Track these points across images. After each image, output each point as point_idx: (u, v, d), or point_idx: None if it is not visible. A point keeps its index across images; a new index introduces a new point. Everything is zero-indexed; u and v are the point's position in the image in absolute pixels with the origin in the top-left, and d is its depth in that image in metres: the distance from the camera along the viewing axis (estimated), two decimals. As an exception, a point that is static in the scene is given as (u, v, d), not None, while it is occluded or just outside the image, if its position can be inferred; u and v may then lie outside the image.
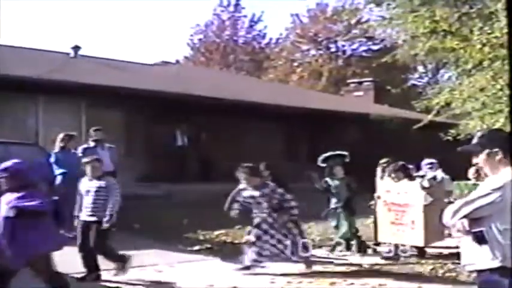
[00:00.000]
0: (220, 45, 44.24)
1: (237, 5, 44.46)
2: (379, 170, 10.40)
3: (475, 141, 4.40)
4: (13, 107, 15.10)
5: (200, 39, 45.00)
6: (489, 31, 10.73)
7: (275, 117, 19.95)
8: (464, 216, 4.12)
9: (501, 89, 11.21)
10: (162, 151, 17.19)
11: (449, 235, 11.50)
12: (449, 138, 13.86)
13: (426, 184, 9.75)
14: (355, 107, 24.83)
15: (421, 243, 9.52)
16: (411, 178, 10.04)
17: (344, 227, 10.10)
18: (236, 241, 10.56)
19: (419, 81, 40.40)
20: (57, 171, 11.15)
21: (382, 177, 10.27)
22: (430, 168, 11.87)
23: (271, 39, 45.56)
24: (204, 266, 8.97)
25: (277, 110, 20.41)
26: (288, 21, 49.95)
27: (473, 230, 4.09)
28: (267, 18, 57.44)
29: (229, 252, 9.55)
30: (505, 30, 10.22)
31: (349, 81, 32.85)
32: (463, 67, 11.88)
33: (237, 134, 18.51)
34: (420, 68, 37.97)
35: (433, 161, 11.92)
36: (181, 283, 8.02)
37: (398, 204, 9.75)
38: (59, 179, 11.10)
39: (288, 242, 8.58)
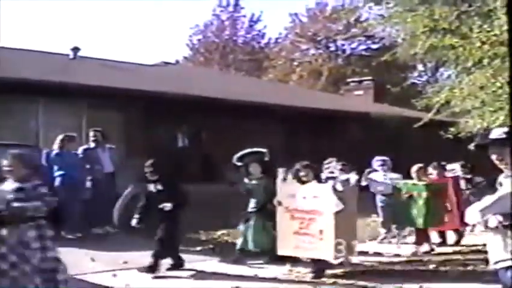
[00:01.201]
0: (220, 46, 44.26)
1: (236, 5, 44.51)
2: (281, 171, 8.72)
3: (502, 136, 4.32)
4: (13, 109, 15.10)
5: (199, 40, 45.03)
6: (488, 29, 10.74)
7: (276, 117, 19.93)
8: (495, 213, 4.07)
9: (501, 87, 11.22)
10: (162, 152, 17.17)
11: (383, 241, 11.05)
12: (449, 136, 13.87)
13: (339, 187, 8.26)
14: (356, 106, 24.84)
15: (329, 257, 8.09)
16: (319, 179, 8.75)
17: (256, 235, 9.07)
18: (239, 241, 10.55)
19: (419, 80, 40.41)
20: (57, 172, 11.15)
21: (284, 179, 8.64)
22: (382, 165, 11.13)
23: (270, 39, 45.65)
24: (207, 266, 8.96)
25: (277, 110, 20.41)
26: (287, 20, 50.04)
27: None
28: (266, 18, 57.61)
29: (232, 252, 9.50)
30: (505, 28, 10.24)
31: (348, 80, 32.84)
32: (462, 65, 11.89)
33: (237, 134, 18.48)
34: (420, 67, 37.96)
35: (385, 158, 11.20)
36: (183, 284, 8.03)
37: (305, 210, 8.23)
38: (58, 181, 11.10)
39: (28, 269, 5.88)
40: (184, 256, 8.81)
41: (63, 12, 60.07)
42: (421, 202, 9.93)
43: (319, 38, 41.33)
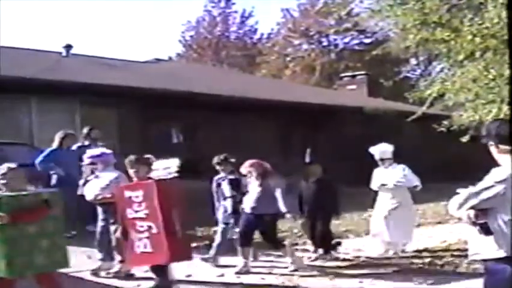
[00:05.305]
0: (212, 42, 44.27)
1: (227, 0, 44.49)
2: None
3: (484, 133, 4.44)
4: (6, 108, 15.08)
5: (192, 36, 45.02)
6: (479, 22, 10.76)
7: (270, 113, 19.97)
8: (471, 208, 4.16)
9: (493, 79, 11.25)
10: (157, 149, 17.17)
11: None
12: (443, 129, 13.90)
13: None
14: (349, 101, 24.89)
15: None
16: None
17: None
18: (234, 237, 10.45)
19: (413, 74, 40.49)
20: (54, 170, 11.14)
21: None
22: (91, 165, 8.56)
23: (262, 34, 45.69)
24: (203, 262, 8.99)
25: (271, 106, 20.44)
26: (279, 16, 50.02)
27: (479, 222, 4.14)
28: (258, 13, 57.62)
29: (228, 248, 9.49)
30: (496, 20, 10.27)
31: (342, 74, 32.91)
32: (454, 58, 11.91)
33: (232, 130, 18.53)
34: (413, 60, 38.03)
35: (101, 152, 8.62)
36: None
37: None
38: (54, 178, 11.09)
39: None
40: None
41: (55, 10, 59.95)
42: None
43: (311, 33, 41.34)
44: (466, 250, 4.62)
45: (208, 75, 25.74)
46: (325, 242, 9.28)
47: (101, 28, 65.88)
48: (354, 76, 30.97)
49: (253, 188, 8.75)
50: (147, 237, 6.90)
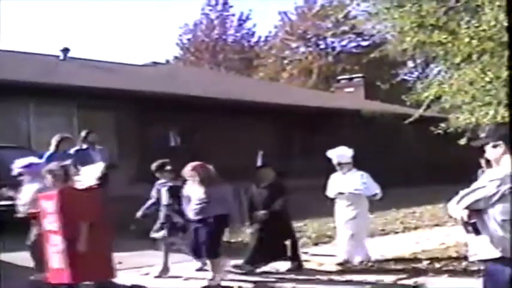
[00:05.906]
0: (210, 45, 44.32)
1: (225, 3, 44.59)
2: None
3: (483, 134, 4.48)
4: (4, 111, 15.08)
5: (189, 39, 45.06)
6: (476, 24, 10.77)
7: (267, 116, 19.99)
8: (467, 208, 4.18)
9: (490, 82, 11.26)
10: (154, 152, 17.19)
11: None
12: (440, 132, 13.92)
13: None
14: (347, 104, 24.92)
15: None
16: None
17: None
18: (232, 240, 10.36)
19: (410, 76, 40.52)
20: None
21: None
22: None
23: (260, 37, 45.78)
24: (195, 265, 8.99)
25: (269, 108, 20.46)
26: (276, 19, 50.09)
27: (469, 222, 4.16)
28: (256, 16, 57.74)
29: (226, 251, 9.44)
30: (492, 23, 10.30)
31: (339, 77, 32.97)
32: (451, 61, 11.92)
33: (229, 133, 18.55)
34: (410, 63, 38.04)
35: None
36: (178, 283, 8.05)
37: None
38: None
39: None
40: (180, 256, 8.85)
41: (53, 13, 59.86)
42: None
43: (308, 36, 41.42)
44: (465, 252, 4.64)
45: (206, 78, 25.77)
46: (278, 252, 8.50)
47: (99, 31, 65.95)
48: (351, 79, 31.04)
49: (196, 193, 7.97)
50: (58, 252, 6.33)
